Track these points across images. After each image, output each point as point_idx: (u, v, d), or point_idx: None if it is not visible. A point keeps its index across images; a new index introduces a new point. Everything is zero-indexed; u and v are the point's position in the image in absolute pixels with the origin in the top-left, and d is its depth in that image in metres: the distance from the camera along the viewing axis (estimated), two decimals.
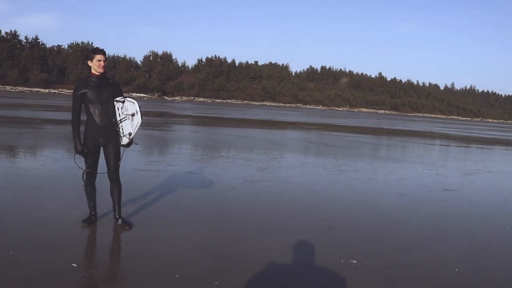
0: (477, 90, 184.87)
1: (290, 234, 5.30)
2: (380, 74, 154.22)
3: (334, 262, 4.47)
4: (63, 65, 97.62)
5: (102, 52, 4.93)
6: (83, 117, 4.86)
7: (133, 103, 4.94)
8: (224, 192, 7.29)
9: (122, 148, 5.16)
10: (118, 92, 5.07)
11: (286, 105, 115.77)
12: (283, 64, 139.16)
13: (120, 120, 5.01)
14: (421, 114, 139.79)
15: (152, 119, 25.32)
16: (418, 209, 7.11)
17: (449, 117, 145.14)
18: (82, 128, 4.93)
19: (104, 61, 4.90)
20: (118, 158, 5.11)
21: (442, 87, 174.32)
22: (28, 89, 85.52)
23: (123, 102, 4.97)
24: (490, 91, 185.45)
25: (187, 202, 6.44)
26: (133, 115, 4.92)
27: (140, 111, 4.92)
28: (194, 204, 6.37)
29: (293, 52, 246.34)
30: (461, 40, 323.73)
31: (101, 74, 4.93)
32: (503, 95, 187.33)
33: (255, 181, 8.36)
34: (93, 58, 4.87)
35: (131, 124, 4.95)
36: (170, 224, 5.34)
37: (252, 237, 5.07)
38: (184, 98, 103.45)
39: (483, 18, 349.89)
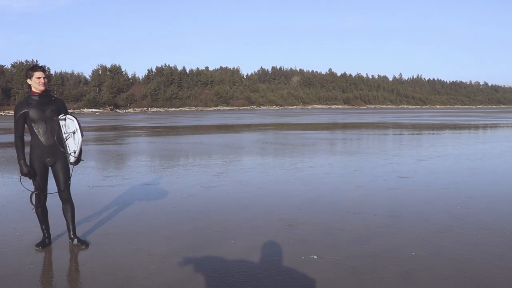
0: (424, 78, 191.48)
1: (250, 235, 5.30)
2: (330, 70, 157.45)
3: (295, 259, 4.51)
4: (7, 86, 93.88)
5: (41, 68, 4.79)
6: (28, 138, 4.71)
7: (73, 120, 4.82)
8: (181, 200, 7.22)
9: (71, 166, 5.03)
10: (63, 109, 4.95)
11: (240, 108, 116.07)
12: (233, 67, 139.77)
13: (66, 138, 4.88)
14: (373, 106, 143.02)
15: (105, 134, 24.79)
16: (374, 199, 7.27)
17: (400, 106, 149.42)
18: (28, 149, 4.77)
19: (44, 78, 4.76)
20: (67, 176, 4.98)
21: (391, 78, 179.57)
22: None
23: (65, 119, 4.85)
24: (436, 79, 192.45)
25: (144, 214, 6.34)
26: (74, 132, 4.81)
27: (80, 128, 4.81)
28: (151, 216, 6.28)
29: (243, 55, 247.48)
30: (406, 31, 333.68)
31: (43, 91, 4.79)
32: (448, 81, 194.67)
33: (212, 187, 8.32)
34: (32, 76, 4.73)
35: (74, 142, 4.84)
36: (128, 238, 5.24)
37: (212, 243, 5.04)
38: (137, 109, 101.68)
39: (426, 8, 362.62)
